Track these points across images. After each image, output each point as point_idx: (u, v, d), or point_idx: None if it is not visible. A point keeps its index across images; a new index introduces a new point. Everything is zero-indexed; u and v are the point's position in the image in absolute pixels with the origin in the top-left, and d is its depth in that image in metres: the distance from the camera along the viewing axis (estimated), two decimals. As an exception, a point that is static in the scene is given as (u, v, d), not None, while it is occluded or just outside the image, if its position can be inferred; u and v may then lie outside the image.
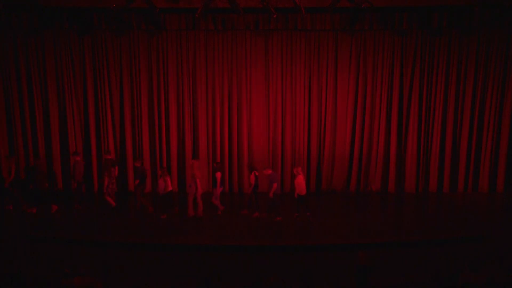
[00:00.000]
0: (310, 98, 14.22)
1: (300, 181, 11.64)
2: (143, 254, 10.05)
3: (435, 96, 14.07)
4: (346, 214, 12.87)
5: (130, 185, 14.22)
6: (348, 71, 14.07)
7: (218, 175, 12.09)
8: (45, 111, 14.06)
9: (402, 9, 13.01)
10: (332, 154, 14.39)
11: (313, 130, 14.35)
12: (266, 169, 12.07)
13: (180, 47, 13.94)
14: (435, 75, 13.94)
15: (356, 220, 12.11)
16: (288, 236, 11.06)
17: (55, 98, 13.97)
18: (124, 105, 14.11)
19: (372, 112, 14.22)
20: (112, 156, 13.48)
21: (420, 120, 14.19)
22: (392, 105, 14.13)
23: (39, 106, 14.01)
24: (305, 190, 11.75)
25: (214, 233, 11.07)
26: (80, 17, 13.15)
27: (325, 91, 14.14)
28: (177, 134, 14.34)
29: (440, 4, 12.62)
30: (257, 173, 12.15)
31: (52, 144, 14.13)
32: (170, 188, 12.00)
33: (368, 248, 9.64)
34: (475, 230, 11.15)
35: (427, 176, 14.43)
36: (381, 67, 14.00)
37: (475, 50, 13.74)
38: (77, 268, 7.40)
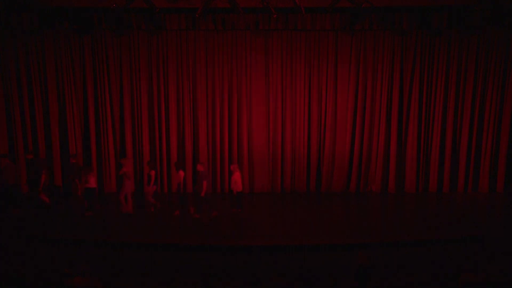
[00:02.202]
0: (310, 98, 14.23)
1: (237, 178, 11.98)
2: (142, 254, 10.05)
3: (435, 96, 14.07)
4: (346, 214, 12.87)
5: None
6: (348, 71, 14.07)
7: (153, 173, 12.26)
8: (45, 111, 14.05)
9: (402, 9, 13.01)
10: (332, 154, 14.38)
11: (313, 130, 14.36)
12: (199, 165, 12.00)
13: (180, 47, 13.95)
14: (435, 75, 13.94)
15: (356, 220, 12.10)
16: (287, 235, 11.05)
17: (55, 98, 13.96)
18: (124, 105, 14.11)
19: (372, 112, 14.22)
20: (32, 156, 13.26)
21: (420, 120, 14.20)
22: (392, 105, 14.13)
23: (39, 106, 13.99)
24: (241, 187, 12.09)
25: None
26: (80, 17, 13.15)
27: (325, 91, 14.15)
28: (177, 134, 14.34)
29: (440, 4, 12.62)
30: (183, 173, 12.16)
31: (52, 144, 14.13)
32: (93, 186, 12.04)
33: (368, 248, 9.63)
34: (475, 230, 11.14)
35: (427, 176, 14.43)
36: (381, 67, 14.01)
37: (475, 50, 13.75)
38: (77, 268, 7.39)
